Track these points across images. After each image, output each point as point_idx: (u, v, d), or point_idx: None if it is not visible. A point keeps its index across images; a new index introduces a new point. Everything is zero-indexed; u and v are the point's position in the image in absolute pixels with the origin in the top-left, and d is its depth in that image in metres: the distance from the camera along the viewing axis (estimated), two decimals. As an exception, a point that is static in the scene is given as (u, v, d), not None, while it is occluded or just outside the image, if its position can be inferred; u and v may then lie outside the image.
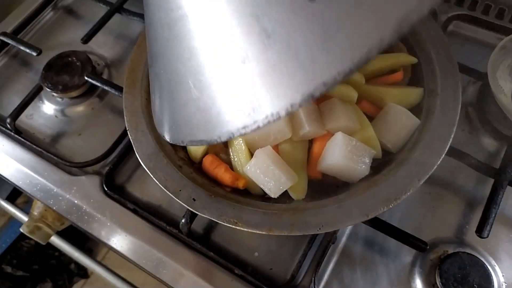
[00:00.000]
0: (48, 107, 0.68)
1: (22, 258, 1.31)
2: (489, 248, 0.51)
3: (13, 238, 1.28)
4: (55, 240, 0.74)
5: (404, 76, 0.54)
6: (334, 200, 0.46)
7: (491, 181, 0.53)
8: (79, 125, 0.66)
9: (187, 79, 0.34)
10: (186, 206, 0.46)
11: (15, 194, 0.87)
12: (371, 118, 0.51)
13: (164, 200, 0.59)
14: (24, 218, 0.83)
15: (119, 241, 0.56)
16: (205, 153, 0.51)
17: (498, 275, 0.50)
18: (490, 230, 0.48)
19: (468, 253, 0.49)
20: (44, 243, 0.67)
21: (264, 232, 0.44)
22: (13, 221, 1.28)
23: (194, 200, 0.46)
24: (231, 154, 0.51)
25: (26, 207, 1.17)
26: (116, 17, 0.72)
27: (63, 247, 0.75)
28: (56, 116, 0.67)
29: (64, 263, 1.36)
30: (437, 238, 0.53)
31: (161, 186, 0.47)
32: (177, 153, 0.51)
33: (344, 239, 0.54)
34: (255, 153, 0.47)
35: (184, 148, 0.53)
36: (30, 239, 1.38)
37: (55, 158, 0.60)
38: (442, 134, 0.47)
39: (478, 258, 0.49)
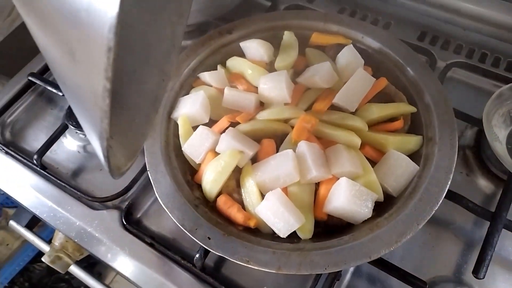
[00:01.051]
0: (71, 143, 0.73)
1: (34, 281, 1.34)
2: (486, 288, 0.54)
3: (26, 261, 1.32)
4: (72, 268, 0.78)
5: (404, 124, 0.58)
6: (339, 241, 0.49)
7: (488, 222, 0.56)
8: (100, 161, 0.70)
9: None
10: (202, 244, 0.49)
11: (33, 221, 0.91)
12: (373, 163, 0.55)
13: (178, 233, 0.62)
14: (40, 244, 0.86)
15: (136, 274, 0.59)
16: (219, 193, 0.55)
17: (494, 314, 0.52)
18: (486, 272, 0.51)
19: (466, 293, 0.52)
20: (63, 272, 0.70)
21: (273, 271, 0.47)
22: (27, 245, 1.32)
23: (209, 238, 0.50)
24: (243, 195, 0.54)
25: (40, 230, 1.21)
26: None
27: (79, 274, 0.78)
28: (78, 151, 0.72)
29: (74, 287, 1.39)
30: (436, 277, 0.56)
31: (178, 225, 0.51)
32: (193, 193, 0.55)
33: (348, 276, 0.57)
34: (266, 196, 0.51)
35: (199, 188, 0.57)
36: (42, 262, 1.41)
37: (77, 192, 0.65)
38: (439, 181, 0.51)
39: (475, 298, 0.52)
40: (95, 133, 0.33)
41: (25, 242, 1.33)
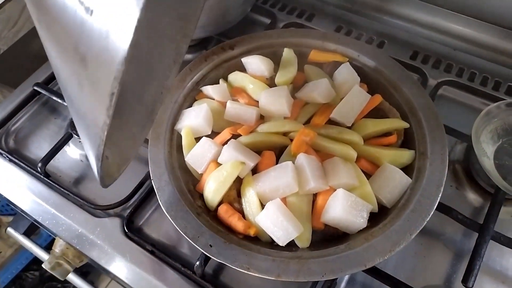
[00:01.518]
0: (74, 152, 0.74)
1: (26, 290, 1.34)
2: (475, 297, 0.57)
3: (19, 269, 1.31)
4: (70, 276, 0.78)
5: (397, 139, 0.61)
6: (336, 250, 0.51)
7: (476, 234, 0.59)
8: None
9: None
10: (203, 251, 0.51)
11: (31, 229, 0.92)
12: (368, 176, 0.58)
13: (178, 241, 0.64)
14: (37, 251, 0.87)
15: (136, 280, 0.61)
16: (221, 202, 0.57)
17: (482, 322, 0.55)
18: (474, 281, 0.54)
19: (455, 301, 0.54)
20: (63, 279, 0.71)
21: (273, 278, 0.49)
22: (20, 252, 1.32)
23: (210, 246, 0.52)
24: (244, 204, 0.56)
25: (36, 238, 1.21)
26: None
27: (76, 282, 0.79)
28: (81, 160, 0.74)
29: (66, 295, 1.39)
30: (427, 286, 0.58)
31: (181, 233, 0.53)
32: (195, 202, 0.57)
33: (343, 284, 0.59)
34: (266, 205, 0.53)
35: (201, 197, 0.59)
36: (35, 270, 1.41)
37: (80, 200, 0.66)
38: (431, 194, 0.53)
39: (465, 306, 0.54)
40: (92, 151, 0.36)
41: (18, 250, 1.33)
